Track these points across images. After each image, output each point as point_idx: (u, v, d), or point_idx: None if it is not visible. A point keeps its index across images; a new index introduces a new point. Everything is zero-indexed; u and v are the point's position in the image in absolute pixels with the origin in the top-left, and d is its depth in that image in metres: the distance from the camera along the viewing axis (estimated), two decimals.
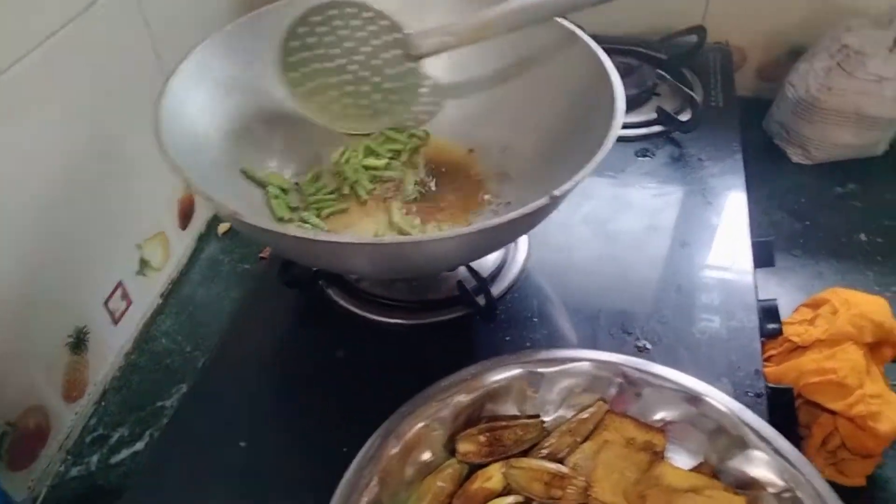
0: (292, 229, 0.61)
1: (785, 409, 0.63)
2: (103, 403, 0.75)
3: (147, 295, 0.84)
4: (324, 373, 0.64)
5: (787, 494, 0.44)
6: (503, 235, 0.58)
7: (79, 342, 0.71)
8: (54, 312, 0.67)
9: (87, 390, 0.73)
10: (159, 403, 0.73)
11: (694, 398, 0.48)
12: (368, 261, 0.54)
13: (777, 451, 0.45)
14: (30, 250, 0.62)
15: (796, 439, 0.66)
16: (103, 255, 0.74)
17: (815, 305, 0.72)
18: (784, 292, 0.83)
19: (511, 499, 0.46)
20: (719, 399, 0.48)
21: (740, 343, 0.63)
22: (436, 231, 0.66)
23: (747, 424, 0.46)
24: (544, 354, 0.51)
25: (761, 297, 0.70)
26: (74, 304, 0.70)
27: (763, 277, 0.83)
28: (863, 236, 0.94)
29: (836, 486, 0.64)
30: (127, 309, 0.79)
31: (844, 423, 0.66)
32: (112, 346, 0.77)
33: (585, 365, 0.50)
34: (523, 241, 0.75)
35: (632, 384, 0.50)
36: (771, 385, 0.65)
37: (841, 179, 1.03)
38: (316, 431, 0.58)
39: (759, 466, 0.46)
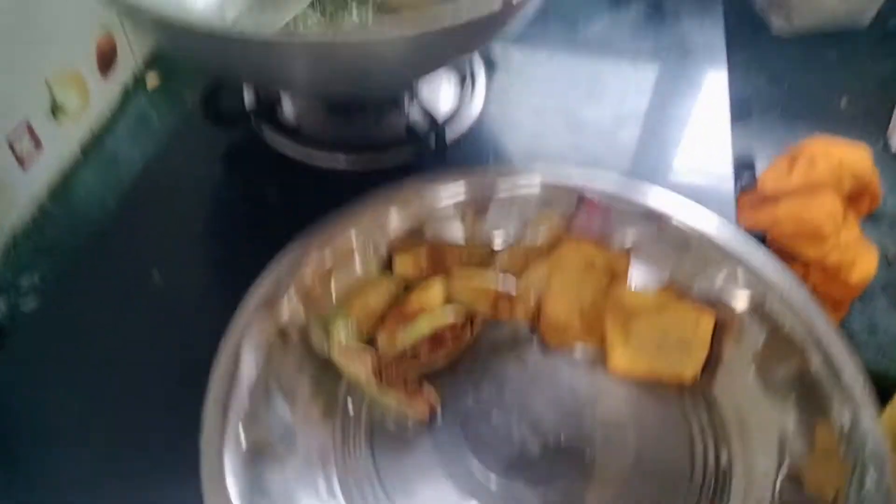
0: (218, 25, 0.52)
1: None
2: (13, 252, 0.68)
3: (62, 144, 0.75)
4: (251, 216, 0.57)
5: (757, 308, 0.39)
6: (453, 42, 0.50)
7: None
8: None
9: None
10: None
11: (658, 214, 0.43)
12: (303, 65, 0.46)
13: (748, 265, 0.40)
14: None
15: None
16: (4, 90, 0.64)
17: (792, 157, 0.67)
18: (762, 150, 0.77)
19: (451, 314, 0.40)
20: (686, 212, 0.42)
21: (714, 194, 0.58)
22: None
23: (716, 239, 0.41)
24: (494, 172, 0.45)
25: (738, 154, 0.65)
26: None
27: (742, 137, 0.78)
28: (844, 101, 0.89)
29: None
30: (37, 154, 0.70)
31: (816, 272, 0.62)
32: (21, 191, 0.69)
33: (539, 184, 0.44)
34: (480, 89, 0.67)
35: (591, 203, 0.44)
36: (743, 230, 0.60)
37: (823, 49, 0.97)
38: (241, 276, 0.52)
39: (728, 282, 0.41)
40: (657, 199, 0.43)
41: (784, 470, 0.34)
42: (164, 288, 0.52)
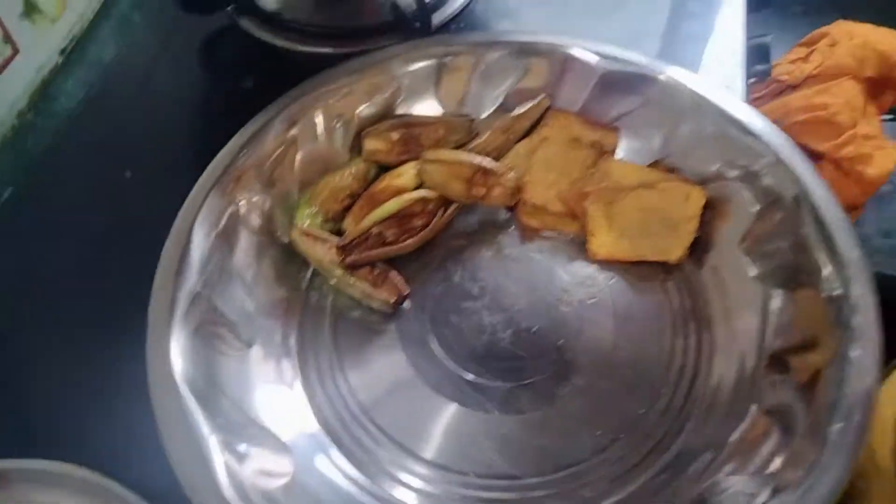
0: None
1: None
2: None
3: (40, 48, 0.71)
4: (228, 104, 0.54)
5: (750, 179, 0.35)
6: None
7: None
8: None
9: None
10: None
11: (649, 78, 0.39)
12: None
13: (747, 131, 0.36)
14: None
15: None
16: None
17: (812, 41, 0.62)
18: (782, 40, 0.71)
19: (421, 192, 0.38)
20: (679, 76, 0.38)
21: (718, 75, 0.53)
22: None
23: (713, 103, 0.37)
24: (474, 37, 0.41)
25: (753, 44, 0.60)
26: None
27: (760, 26, 0.72)
28: None
29: None
30: (13, 57, 0.67)
31: (830, 168, 0.58)
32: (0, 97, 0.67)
33: (518, 43, 0.40)
34: None
35: (578, 68, 0.40)
36: None
37: None
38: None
39: (723, 152, 0.37)
40: (649, 63, 0.39)
41: (767, 352, 0.32)
42: (135, 185, 0.50)
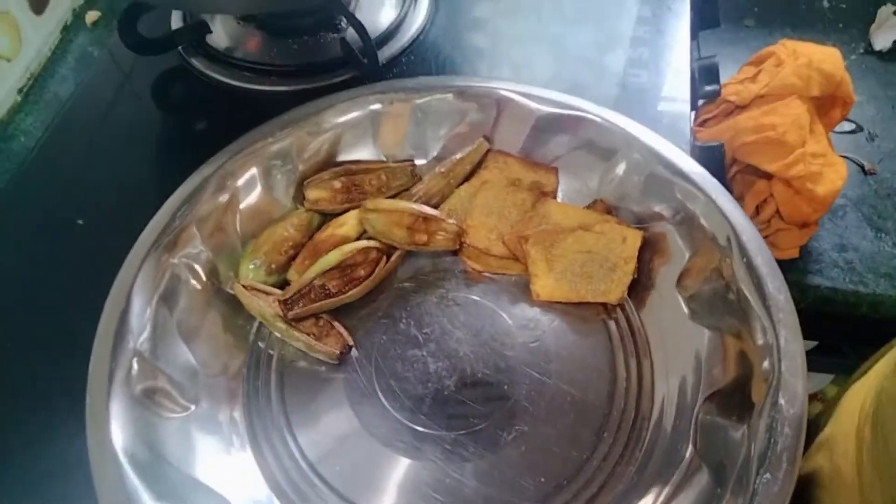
0: None
1: (715, 169, 0.55)
2: None
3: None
4: (182, 144, 0.55)
5: (685, 221, 0.36)
6: None
7: None
8: None
9: None
10: None
11: (583, 120, 0.39)
12: None
13: (679, 173, 0.37)
14: None
15: None
16: None
17: (759, 61, 0.63)
18: (731, 60, 0.73)
19: (363, 242, 0.38)
20: (612, 118, 0.39)
21: (670, 105, 0.54)
22: None
23: (645, 144, 0.38)
24: (410, 83, 0.42)
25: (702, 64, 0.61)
26: None
27: (711, 46, 0.73)
28: (825, 2, 0.83)
29: None
30: None
31: (781, 187, 0.59)
32: None
33: (455, 87, 0.40)
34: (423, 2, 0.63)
35: (514, 111, 0.41)
36: (700, 143, 0.57)
37: None
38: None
39: (656, 193, 0.38)
40: (581, 105, 0.40)
41: (703, 395, 0.33)
42: (87, 233, 0.50)
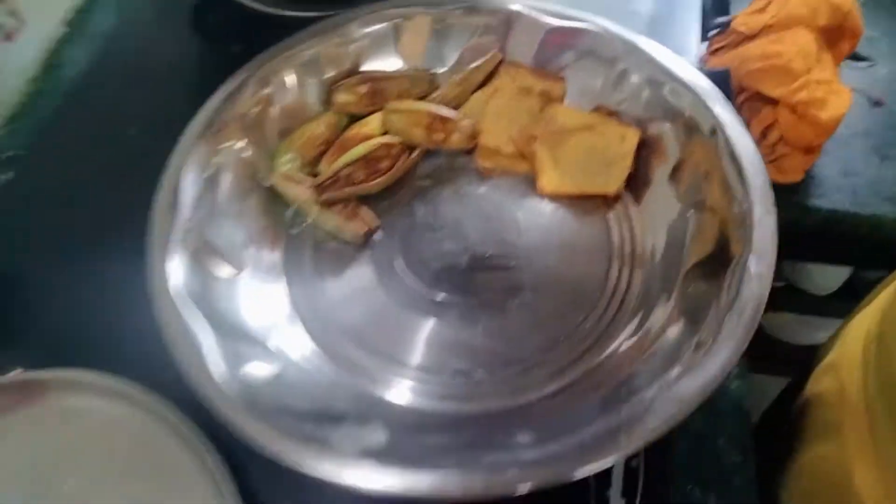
0: None
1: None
2: (13, 127, 0.71)
3: (44, 18, 0.76)
4: (218, 66, 0.59)
5: (676, 114, 0.40)
6: None
7: None
8: None
9: None
10: None
11: (589, 32, 0.43)
12: None
13: (670, 74, 0.40)
14: None
15: None
16: None
17: None
18: None
19: (386, 138, 0.43)
20: (613, 29, 0.43)
21: (677, 27, 0.57)
22: None
23: (644, 51, 0.42)
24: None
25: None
26: None
27: None
28: None
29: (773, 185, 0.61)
30: (21, 29, 0.72)
31: (785, 113, 0.61)
32: (11, 66, 0.72)
33: (468, 6, 0.44)
34: None
35: (525, 25, 0.44)
36: (707, 69, 0.59)
37: None
38: None
39: (652, 95, 0.41)
40: (585, 17, 0.43)
41: (685, 266, 0.37)
42: (137, 139, 0.56)
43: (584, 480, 0.36)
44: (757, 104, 0.64)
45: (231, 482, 0.36)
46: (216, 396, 0.32)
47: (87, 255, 0.47)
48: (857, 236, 0.64)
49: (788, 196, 0.65)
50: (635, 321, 0.37)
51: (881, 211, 0.62)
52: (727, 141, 0.37)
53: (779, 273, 1.12)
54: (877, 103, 0.70)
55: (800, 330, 1.13)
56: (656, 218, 0.40)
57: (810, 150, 0.64)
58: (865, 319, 0.57)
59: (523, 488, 0.28)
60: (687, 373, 0.31)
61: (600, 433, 0.30)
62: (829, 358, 0.61)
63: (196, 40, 0.66)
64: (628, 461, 0.39)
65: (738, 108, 0.64)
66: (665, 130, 0.41)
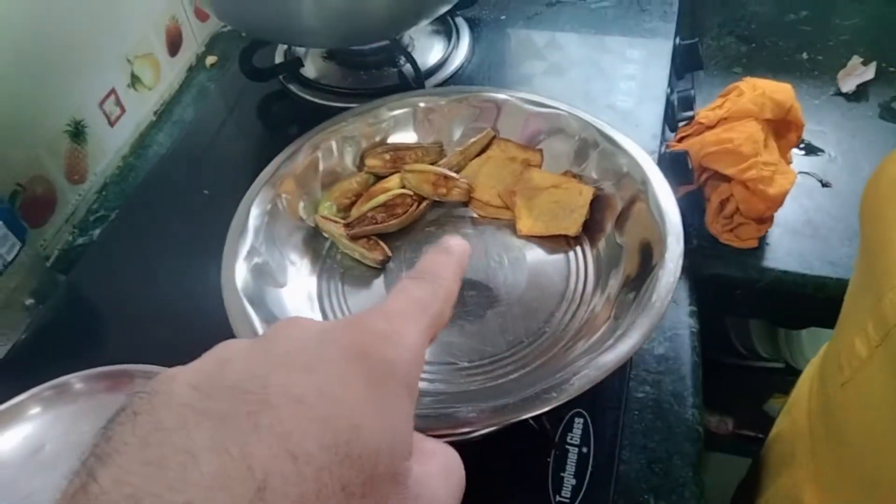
0: None
1: (680, 170, 0.72)
2: (104, 192, 0.88)
3: (140, 108, 0.95)
4: (279, 143, 0.75)
5: (618, 175, 0.53)
6: None
7: (77, 132, 0.83)
8: (54, 100, 0.78)
9: (87, 177, 0.86)
10: None
11: (560, 116, 0.57)
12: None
13: (617, 146, 0.54)
14: (22, 39, 0.73)
15: (693, 199, 0.75)
16: (95, 61, 0.85)
17: (726, 93, 0.79)
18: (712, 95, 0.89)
19: (402, 190, 0.56)
20: (579, 114, 0.57)
21: (645, 117, 0.72)
22: None
23: (600, 131, 0.55)
24: (440, 90, 0.61)
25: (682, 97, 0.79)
26: (71, 98, 0.81)
27: (703, 85, 0.90)
28: (805, 55, 0.99)
29: (730, 249, 0.73)
30: (121, 116, 0.91)
31: (739, 188, 0.74)
32: (110, 145, 0.89)
33: (470, 96, 0.59)
34: (463, 44, 0.83)
35: (512, 111, 0.59)
36: (669, 151, 0.73)
37: (796, 7, 1.07)
38: None
39: (605, 162, 0.55)
40: (557, 104, 0.58)
41: (622, 278, 0.49)
42: (211, 199, 0.71)
43: (545, 462, 0.47)
44: (716, 182, 0.78)
45: None
46: None
47: (168, 283, 0.61)
48: (804, 295, 0.74)
49: (745, 259, 0.76)
50: (580, 325, 0.48)
51: (824, 272, 0.73)
52: (652, 190, 0.50)
53: (776, 353, 1.21)
54: (825, 185, 0.83)
55: None
56: (602, 255, 0.53)
57: (762, 220, 0.76)
58: (814, 364, 0.67)
59: (476, 424, 0.39)
60: (606, 351, 0.42)
61: (539, 390, 0.41)
62: (787, 401, 0.71)
63: (260, 125, 0.82)
64: (580, 448, 0.50)
65: (701, 186, 0.78)
66: (612, 188, 0.54)
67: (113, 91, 0.89)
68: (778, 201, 0.74)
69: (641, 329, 0.42)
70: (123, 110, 0.91)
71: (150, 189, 0.75)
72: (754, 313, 0.94)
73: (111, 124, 0.89)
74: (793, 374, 1.13)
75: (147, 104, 0.96)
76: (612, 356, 0.41)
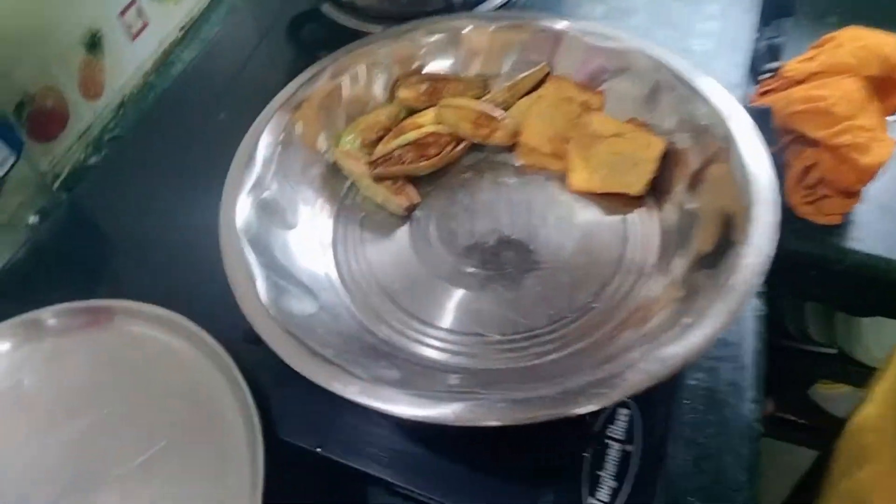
0: None
1: (762, 129, 0.62)
2: (122, 111, 0.81)
3: (165, 22, 0.87)
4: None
5: (696, 126, 0.44)
6: None
7: (94, 44, 0.76)
8: (69, 7, 0.71)
9: (104, 93, 0.79)
10: None
11: (627, 52, 0.48)
12: None
13: (695, 90, 0.45)
14: None
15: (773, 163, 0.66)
16: None
17: (821, 44, 0.68)
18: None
19: (436, 126, 0.48)
20: (649, 50, 0.47)
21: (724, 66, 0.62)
22: None
23: (676, 73, 0.46)
24: (488, 15, 0.52)
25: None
26: (89, 4, 0.74)
27: (791, 36, 0.79)
28: None
29: (808, 224, 0.64)
30: (143, 29, 0.83)
31: (827, 155, 0.64)
32: (129, 60, 0.83)
33: (523, 23, 0.50)
34: None
35: (570, 44, 0.50)
36: (750, 105, 0.63)
37: None
38: None
39: (679, 109, 0.46)
40: (628, 39, 0.48)
41: (690, 258, 0.40)
42: (227, 126, 0.64)
43: (580, 457, 0.40)
44: (799, 146, 0.67)
45: (259, 415, 0.41)
46: (260, 316, 0.37)
47: (171, 213, 0.55)
48: (887, 282, 0.65)
49: (825, 237, 0.67)
50: (637, 305, 0.40)
51: None
52: (738, 148, 0.41)
53: (830, 339, 1.11)
54: None
55: (853, 404, 1.11)
56: (670, 220, 0.44)
57: (850, 194, 0.66)
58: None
59: (502, 420, 0.32)
60: (671, 343, 0.34)
61: (584, 384, 0.33)
62: (874, 388, 0.61)
63: (289, 48, 0.75)
64: (623, 444, 0.42)
65: (783, 149, 0.67)
66: (687, 142, 0.45)
67: (135, 1, 0.81)
68: (871, 173, 0.64)
69: (717, 319, 0.34)
70: (146, 23, 0.84)
71: (164, 108, 0.69)
72: (826, 297, 0.84)
73: (132, 38, 0.82)
74: (846, 361, 1.04)
75: (173, 19, 0.89)
76: (679, 349, 0.33)
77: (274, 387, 0.45)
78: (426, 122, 0.50)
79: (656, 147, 0.46)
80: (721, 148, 0.43)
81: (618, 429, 0.41)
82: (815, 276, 0.68)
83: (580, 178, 0.47)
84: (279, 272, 0.41)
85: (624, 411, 0.42)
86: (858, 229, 0.67)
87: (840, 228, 0.67)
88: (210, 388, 0.43)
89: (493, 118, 0.48)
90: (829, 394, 1.22)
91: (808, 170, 0.66)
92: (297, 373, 0.36)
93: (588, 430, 0.42)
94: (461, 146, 0.49)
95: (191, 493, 0.39)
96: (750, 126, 0.42)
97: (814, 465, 0.69)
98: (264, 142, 0.45)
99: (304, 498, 0.43)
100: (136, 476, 0.40)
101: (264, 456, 0.39)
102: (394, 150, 0.47)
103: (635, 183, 0.46)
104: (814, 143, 0.65)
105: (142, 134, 0.69)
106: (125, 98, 0.82)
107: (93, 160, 0.77)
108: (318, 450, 0.42)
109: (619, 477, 0.41)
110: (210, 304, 0.42)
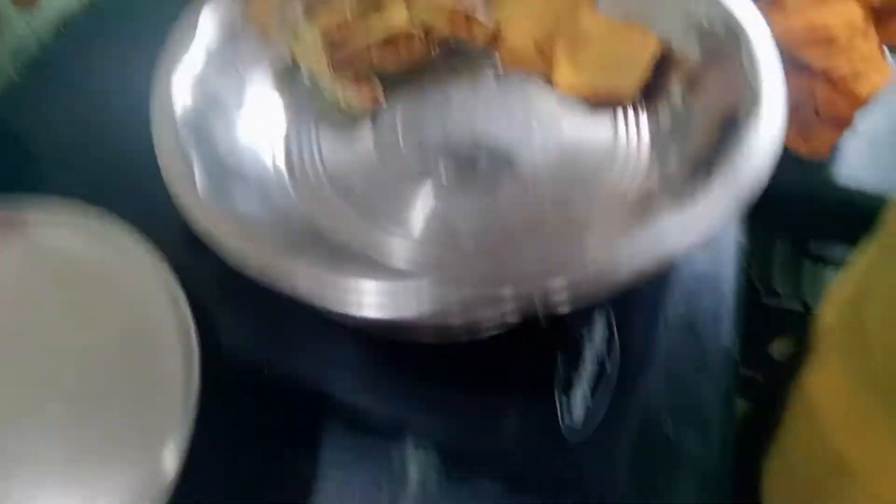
0: None
1: None
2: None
3: None
4: None
5: (698, 26, 0.39)
6: None
7: None
8: None
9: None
10: None
11: None
12: None
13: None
14: None
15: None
16: None
17: None
18: None
19: (403, 23, 0.43)
20: None
21: None
22: None
23: None
24: None
25: None
26: None
27: None
28: None
29: (793, 157, 0.60)
30: None
31: (822, 84, 0.60)
32: None
33: None
34: None
35: None
36: None
37: None
38: None
39: (679, 10, 0.41)
40: None
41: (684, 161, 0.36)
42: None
43: (556, 371, 0.36)
44: (793, 68, 0.63)
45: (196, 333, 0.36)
46: (199, 208, 0.32)
47: (112, 108, 0.48)
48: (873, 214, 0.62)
49: (812, 171, 0.64)
50: (627, 210, 0.36)
51: None
52: (742, 47, 0.37)
53: (797, 292, 1.08)
54: None
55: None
56: (665, 123, 0.40)
57: (841, 123, 0.63)
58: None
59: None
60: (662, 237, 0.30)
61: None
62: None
63: None
64: (601, 366, 0.39)
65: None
66: (688, 42, 0.40)
67: None
68: (865, 101, 0.61)
69: (712, 215, 0.30)
70: None
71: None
72: (811, 234, 0.82)
73: None
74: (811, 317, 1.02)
75: None
76: (670, 245, 0.29)
77: (218, 304, 0.40)
78: (395, 15, 0.44)
79: (651, 47, 0.41)
80: (725, 46, 0.38)
81: (595, 346, 0.38)
82: (798, 212, 0.65)
83: (566, 77, 0.42)
84: (222, 166, 0.35)
85: (602, 332, 0.39)
86: (847, 163, 0.64)
87: (827, 162, 0.64)
88: (143, 299, 0.37)
89: (472, 13, 0.43)
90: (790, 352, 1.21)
91: (799, 100, 0.62)
92: (243, 285, 0.32)
93: (566, 342, 0.38)
94: (435, 48, 0.44)
95: (116, 424, 0.35)
96: (759, 22, 0.37)
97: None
98: (209, 21, 0.39)
99: (251, 428, 0.39)
100: (56, 409, 0.35)
101: (200, 379, 0.34)
102: (359, 48, 0.42)
103: (627, 85, 0.41)
104: (806, 69, 0.62)
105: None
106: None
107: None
108: (266, 369, 0.37)
109: (594, 392, 0.38)
110: (147, 207, 0.36)
